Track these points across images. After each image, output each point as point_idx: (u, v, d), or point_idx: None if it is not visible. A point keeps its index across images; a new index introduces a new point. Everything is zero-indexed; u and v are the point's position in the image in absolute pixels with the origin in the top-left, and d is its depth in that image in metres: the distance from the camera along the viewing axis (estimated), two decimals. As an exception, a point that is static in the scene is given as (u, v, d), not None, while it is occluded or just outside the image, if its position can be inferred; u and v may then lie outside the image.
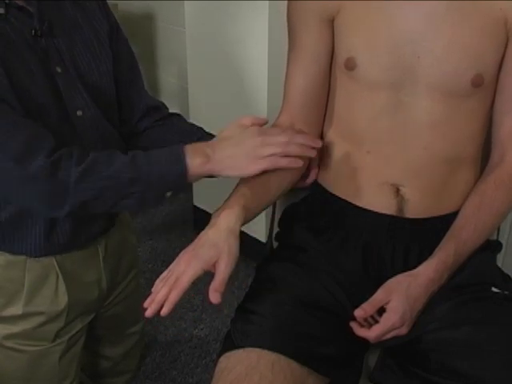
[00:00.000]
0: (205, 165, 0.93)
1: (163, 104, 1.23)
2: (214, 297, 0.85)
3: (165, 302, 0.85)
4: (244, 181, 0.98)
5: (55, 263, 1.07)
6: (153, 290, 0.87)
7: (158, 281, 0.88)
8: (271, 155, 0.93)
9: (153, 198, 0.94)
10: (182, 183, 0.94)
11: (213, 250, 0.88)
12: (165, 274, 0.88)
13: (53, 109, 0.96)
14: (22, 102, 0.90)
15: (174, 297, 0.85)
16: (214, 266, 0.88)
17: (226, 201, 0.95)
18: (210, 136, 1.17)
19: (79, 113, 1.00)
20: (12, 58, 0.90)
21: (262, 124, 0.98)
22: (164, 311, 0.85)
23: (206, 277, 0.88)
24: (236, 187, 0.98)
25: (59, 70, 0.97)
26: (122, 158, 0.92)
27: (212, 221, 0.92)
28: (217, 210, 0.94)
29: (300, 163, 0.95)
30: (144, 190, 0.92)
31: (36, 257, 1.05)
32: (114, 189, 0.91)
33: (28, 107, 0.91)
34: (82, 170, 0.88)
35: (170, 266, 0.89)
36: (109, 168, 0.90)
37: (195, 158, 0.92)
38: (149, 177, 0.91)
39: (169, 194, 0.95)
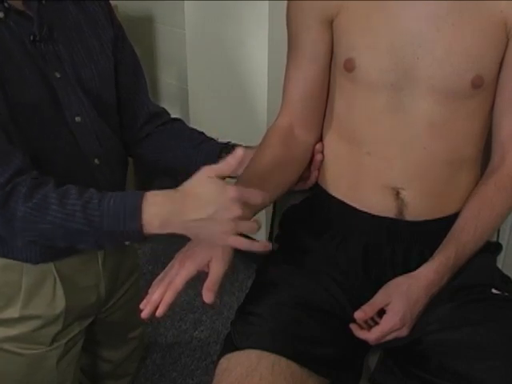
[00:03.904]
0: (164, 227, 0.82)
1: (165, 110, 1.23)
2: (207, 296, 0.86)
3: (160, 303, 0.86)
4: (241, 181, 0.98)
5: (53, 267, 1.07)
6: (149, 291, 0.89)
7: (154, 282, 0.90)
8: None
9: (110, 246, 0.88)
10: (139, 238, 0.84)
11: (206, 250, 0.89)
12: (161, 275, 0.90)
13: (49, 115, 0.95)
14: (13, 108, 0.89)
15: (169, 298, 0.86)
16: (208, 265, 0.88)
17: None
18: (211, 140, 1.18)
19: (78, 119, 0.99)
20: (4, 63, 0.89)
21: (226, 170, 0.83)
22: (159, 312, 0.86)
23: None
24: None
25: (58, 75, 0.96)
26: (71, 203, 0.83)
27: None
28: None
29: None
30: (96, 240, 0.86)
31: (34, 263, 1.04)
32: (62, 235, 0.86)
33: (19, 112, 0.90)
34: (29, 209, 0.84)
35: (166, 268, 0.89)
36: (57, 214, 0.83)
37: (154, 220, 0.82)
38: (98, 230, 0.84)
39: (127, 242, 0.87)
